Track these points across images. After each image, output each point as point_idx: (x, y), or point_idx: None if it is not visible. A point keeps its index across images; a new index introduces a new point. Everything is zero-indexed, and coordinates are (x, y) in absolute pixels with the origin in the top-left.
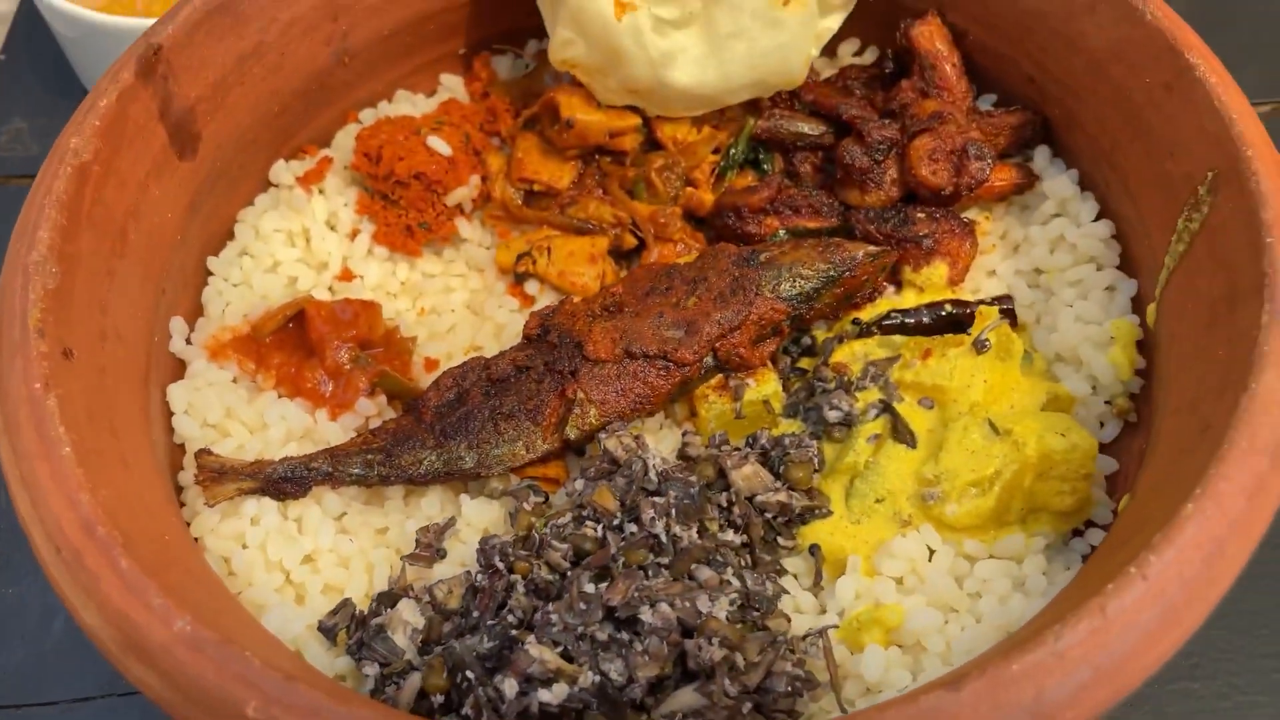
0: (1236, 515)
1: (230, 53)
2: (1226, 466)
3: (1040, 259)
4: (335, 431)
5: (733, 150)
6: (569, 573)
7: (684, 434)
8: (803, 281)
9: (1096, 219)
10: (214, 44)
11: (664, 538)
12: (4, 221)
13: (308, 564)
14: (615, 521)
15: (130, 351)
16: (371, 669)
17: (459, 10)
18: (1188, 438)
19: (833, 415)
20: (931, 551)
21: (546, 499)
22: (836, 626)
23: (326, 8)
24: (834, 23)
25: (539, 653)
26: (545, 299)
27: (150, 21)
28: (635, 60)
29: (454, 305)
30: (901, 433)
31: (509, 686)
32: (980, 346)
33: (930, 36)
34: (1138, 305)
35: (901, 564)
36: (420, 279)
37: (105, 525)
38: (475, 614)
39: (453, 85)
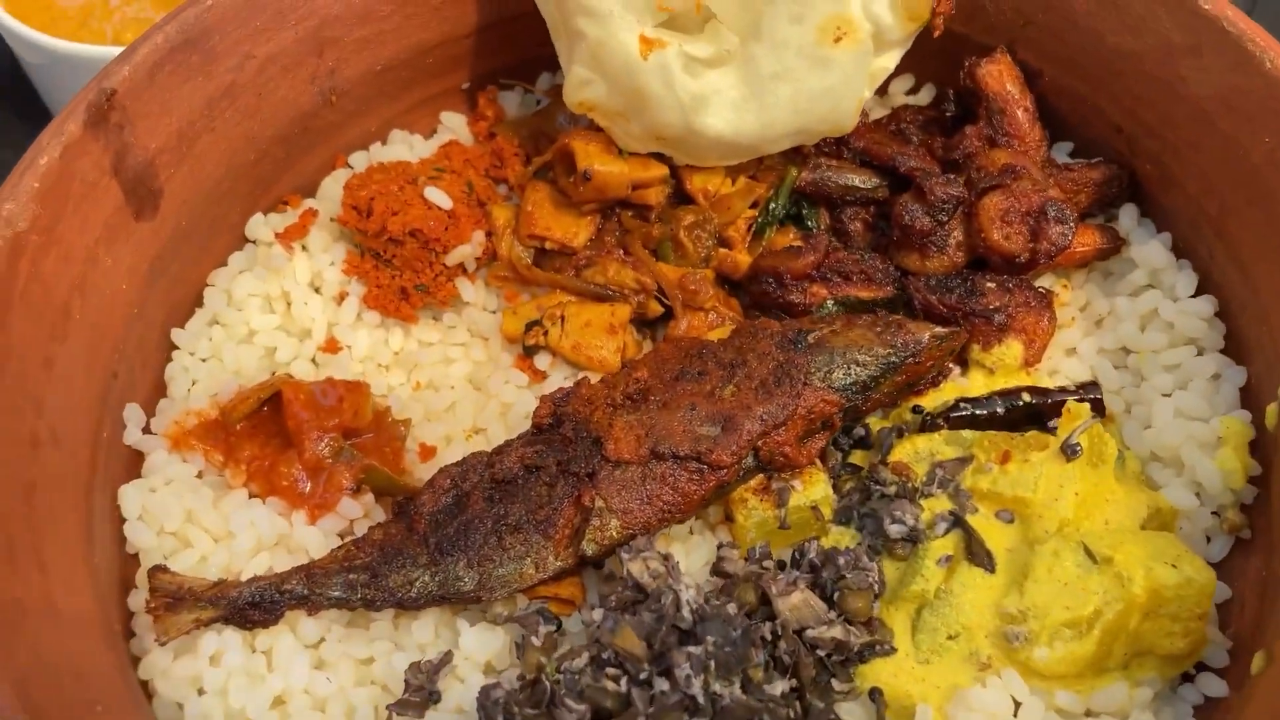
0: None
1: (197, 95)
2: None
3: (1129, 337)
4: (314, 538)
5: (772, 205)
6: None
7: (719, 546)
8: (858, 369)
9: (1196, 294)
10: (178, 86)
11: (701, 698)
12: None
13: (277, 709)
14: (642, 674)
15: (69, 456)
16: None
17: (462, 41)
18: None
19: (895, 530)
20: (1017, 704)
21: (559, 626)
22: None
23: (310, 42)
24: (890, 61)
25: None
26: (558, 373)
27: (105, 50)
28: (663, 104)
29: (454, 380)
30: (978, 554)
31: None
32: (1070, 452)
33: (999, 77)
34: (1249, 398)
35: (980, 718)
36: (416, 348)
37: (15, 709)
38: None
39: (454, 124)
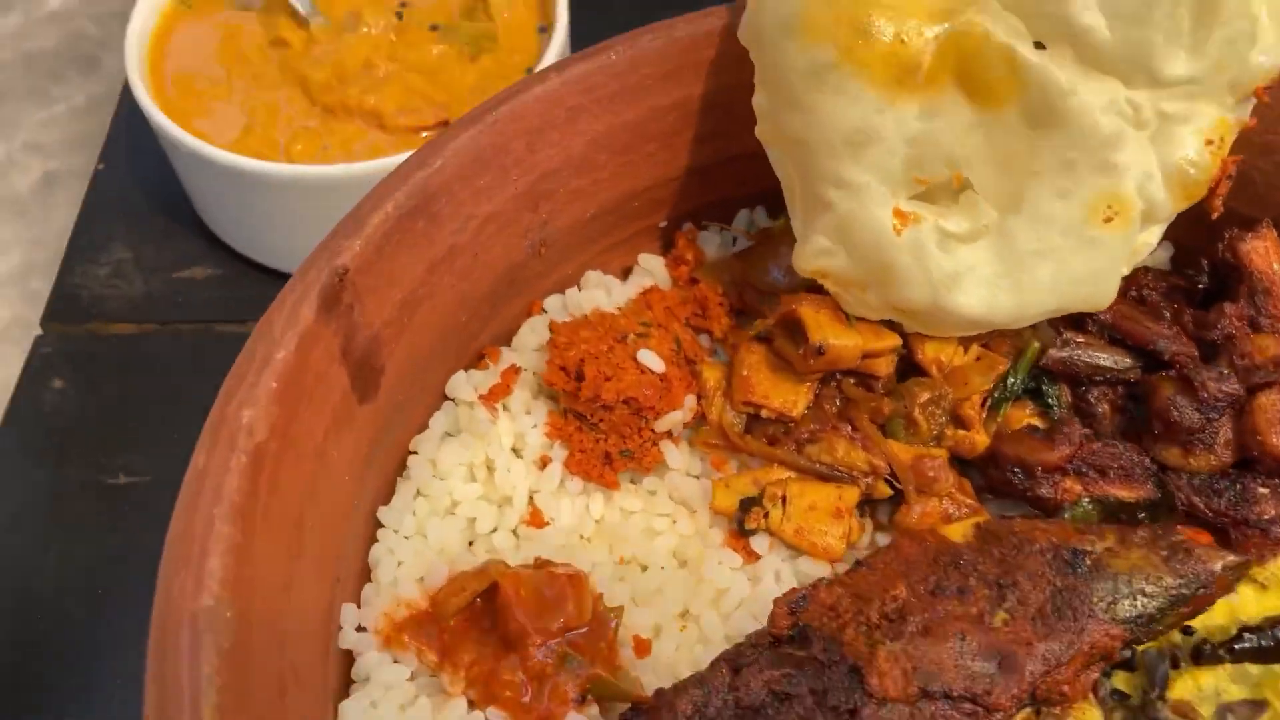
0: None
1: (421, 262)
2: None
3: None
4: None
5: (1011, 380)
6: None
7: None
8: (1145, 600)
9: None
10: (405, 254)
11: None
12: (104, 375)
13: None
14: None
15: (308, 692)
16: None
17: (672, 183)
18: None
19: None
20: None
21: None
22: None
23: (527, 197)
24: (1153, 238)
25: None
26: (774, 555)
27: (293, 170)
28: (912, 280)
29: (660, 557)
30: None
31: None
32: None
33: (1265, 255)
34: None
35: None
36: (618, 518)
37: None
38: None
39: (652, 266)
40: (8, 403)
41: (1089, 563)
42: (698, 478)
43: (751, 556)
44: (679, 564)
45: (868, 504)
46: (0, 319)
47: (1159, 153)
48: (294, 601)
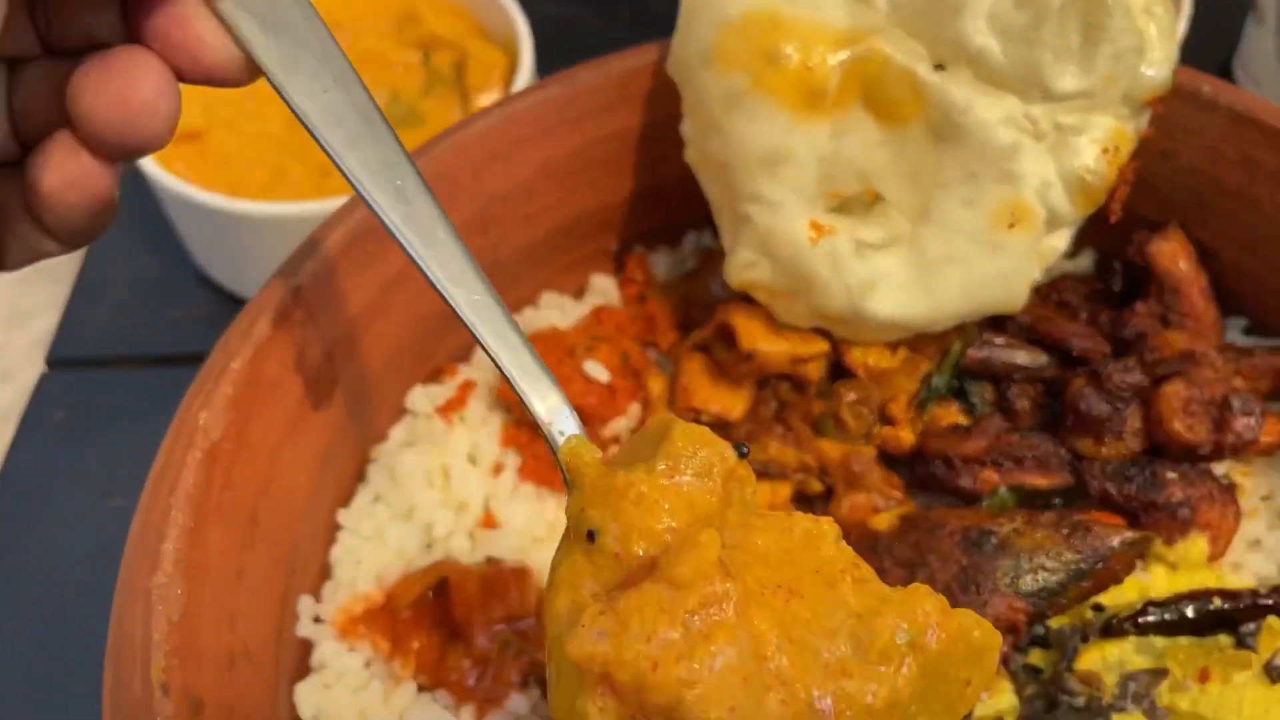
0: None
1: (373, 282)
2: None
3: None
4: None
5: (935, 380)
6: None
7: None
8: (1046, 574)
9: None
10: (357, 274)
11: None
12: (95, 413)
13: None
14: None
15: (258, 668)
16: None
17: (617, 208)
18: None
19: None
20: None
21: None
22: None
23: (477, 222)
24: (1061, 242)
25: None
26: None
27: (273, 208)
28: (830, 289)
29: None
30: None
31: None
32: (1275, 674)
33: (1172, 255)
34: None
35: None
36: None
37: None
38: None
39: (604, 286)
40: (11, 436)
41: (995, 542)
42: None
43: None
44: None
45: (803, 500)
46: (5, 359)
47: (1058, 162)
48: (246, 586)
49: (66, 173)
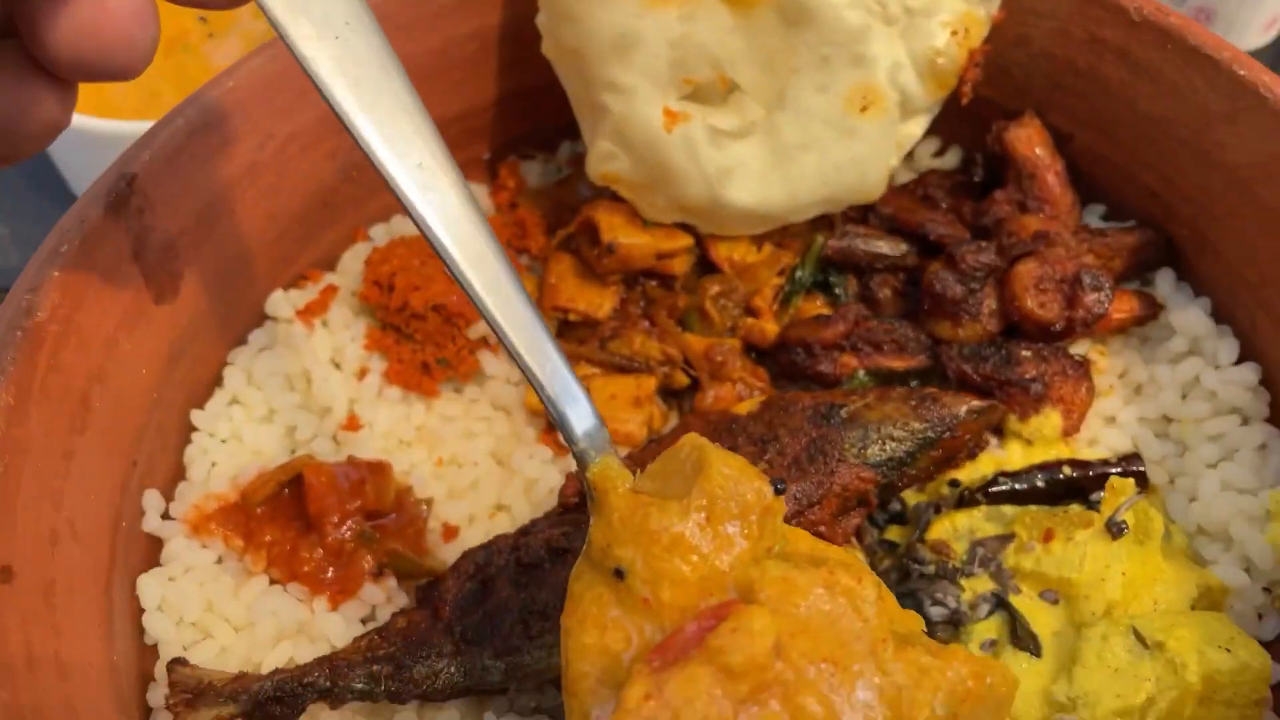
0: None
1: (218, 177)
2: None
3: (1169, 406)
4: (336, 625)
5: (799, 273)
6: None
7: None
8: (894, 444)
9: (1238, 361)
10: (198, 168)
11: None
12: None
13: None
14: None
15: (89, 551)
16: None
17: (482, 114)
18: None
19: (936, 612)
20: None
21: None
22: None
23: (330, 119)
24: (917, 128)
25: None
26: None
27: (140, 125)
28: (688, 177)
29: (477, 455)
30: (1023, 638)
31: None
32: (1116, 530)
33: (1029, 141)
34: None
35: None
36: (438, 423)
37: None
38: None
39: (476, 195)
40: None
41: (844, 414)
42: (517, 385)
43: (563, 450)
44: (497, 464)
45: (672, 395)
46: None
47: (908, 45)
48: (76, 469)
49: (14, 98)
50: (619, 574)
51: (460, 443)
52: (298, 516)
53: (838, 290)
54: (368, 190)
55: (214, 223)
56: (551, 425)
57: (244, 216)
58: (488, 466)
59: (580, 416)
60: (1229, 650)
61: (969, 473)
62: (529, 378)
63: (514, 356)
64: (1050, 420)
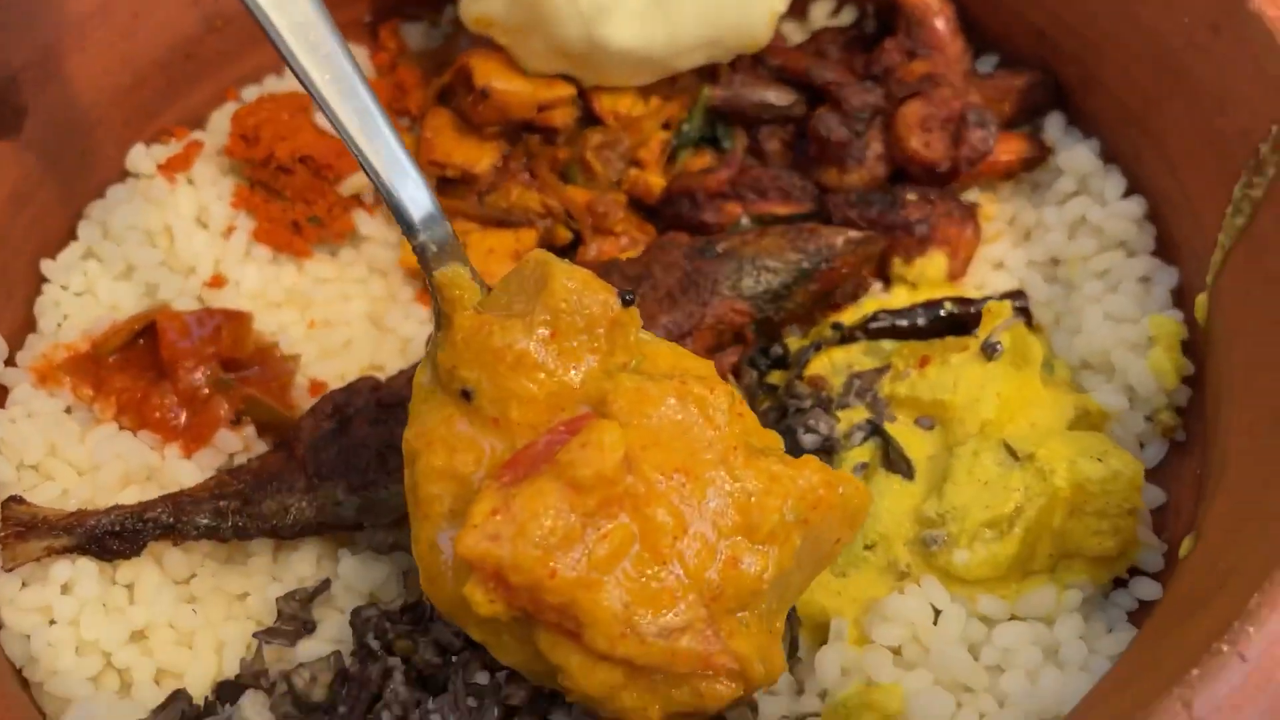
0: None
1: (67, 11)
2: None
3: (1057, 246)
4: (188, 472)
5: (686, 125)
6: (457, 657)
7: None
8: (769, 276)
9: (1125, 196)
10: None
11: None
12: None
13: (138, 643)
14: None
15: None
16: None
17: None
18: (1272, 461)
19: (809, 440)
20: (937, 612)
21: None
22: (818, 716)
23: None
24: None
25: None
26: None
27: None
28: (563, 16)
29: (351, 317)
30: (895, 461)
31: None
32: (990, 351)
33: None
34: (1182, 299)
35: (899, 629)
36: (310, 285)
37: None
38: (343, 710)
39: (355, 57)
40: None
41: (720, 249)
42: (394, 248)
43: None
44: (373, 325)
45: (556, 252)
46: None
47: None
48: None
49: None
50: (466, 395)
51: (334, 305)
52: (151, 367)
53: (726, 144)
54: (236, 45)
55: (61, 60)
56: (427, 285)
57: (96, 57)
58: (362, 327)
59: (415, 199)
60: (1100, 460)
61: (852, 315)
62: (353, 151)
63: (336, 128)
64: (935, 262)
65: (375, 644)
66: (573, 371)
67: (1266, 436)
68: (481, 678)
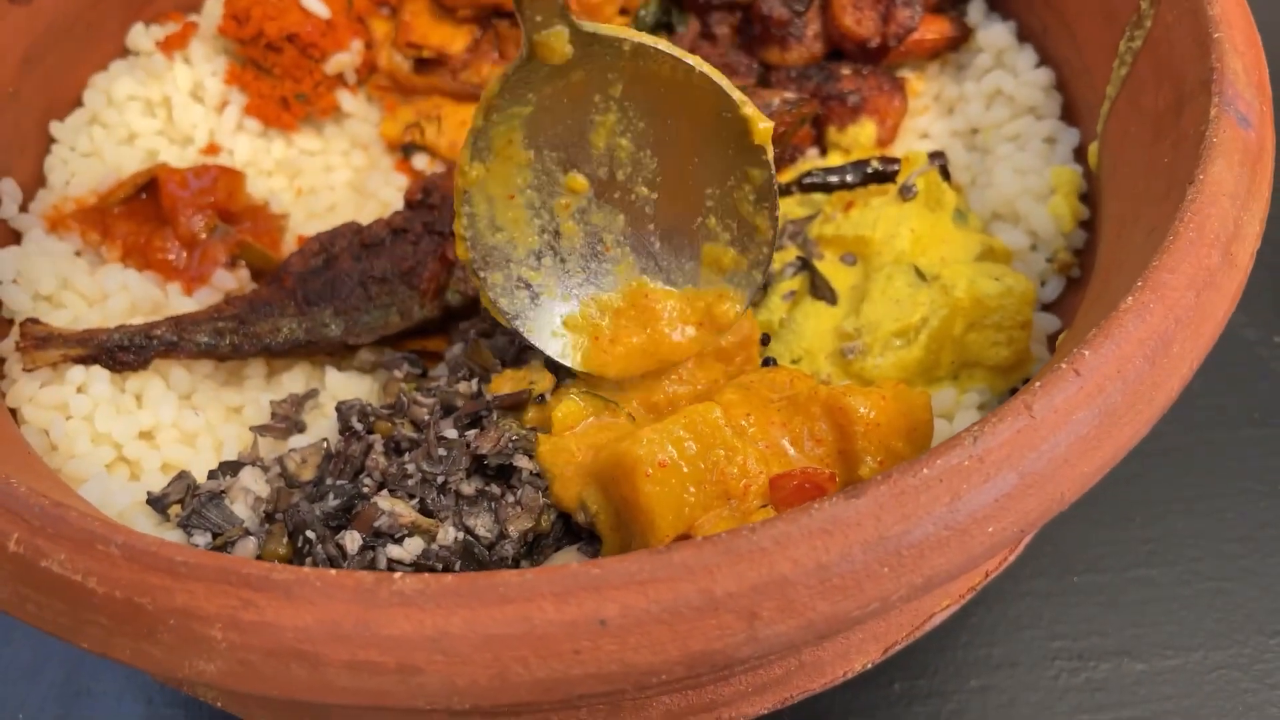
0: (1183, 311)
1: None
2: (1170, 258)
3: (976, 116)
4: (190, 307)
5: (643, 10)
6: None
7: None
8: None
9: (1036, 68)
10: None
11: (549, 396)
12: None
13: (145, 440)
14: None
15: None
16: (202, 537)
17: None
18: (1130, 245)
19: None
20: None
21: (425, 373)
22: None
23: None
24: None
25: (389, 505)
26: (437, 172)
27: None
28: None
29: (335, 184)
30: (820, 289)
31: (351, 541)
32: (906, 193)
33: None
34: (1082, 156)
35: None
36: (297, 156)
37: None
38: (329, 481)
39: None
40: None
41: None
42: (375, 124)
43: (416, 176)
44: (355, 192)
45: None
46: None
47: None
48: None
49: None
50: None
51: (319, 174)
52: (154, 217)
53: (680, 29)
54: None
55: None
56: (406, 153)
57: None
58: (345, 194)
59: None
60: (997, 279)
61: (788, 175)
62: None
63: None
64: (866, 129)
65: (359, 425)
66: None
67: (1127, 227)
68: (450, 433)
